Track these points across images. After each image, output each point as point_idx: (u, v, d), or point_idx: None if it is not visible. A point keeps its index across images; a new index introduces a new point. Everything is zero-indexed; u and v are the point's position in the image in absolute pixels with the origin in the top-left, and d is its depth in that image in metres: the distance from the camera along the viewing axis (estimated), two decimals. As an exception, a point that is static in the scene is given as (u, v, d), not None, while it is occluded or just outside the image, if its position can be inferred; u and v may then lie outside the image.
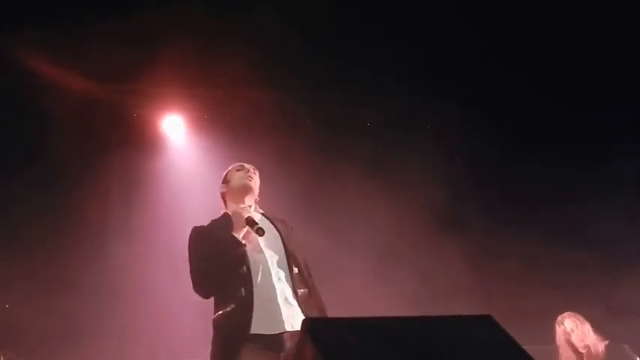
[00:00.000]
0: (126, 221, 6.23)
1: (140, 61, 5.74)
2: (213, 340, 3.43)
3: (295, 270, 3.54)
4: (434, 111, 6.87)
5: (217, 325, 3.42)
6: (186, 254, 3.58)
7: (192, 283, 3.50)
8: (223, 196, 3.80)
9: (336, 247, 5.84)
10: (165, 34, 5.48)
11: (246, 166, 3.80)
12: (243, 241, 3.46)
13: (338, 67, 6.09)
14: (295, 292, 3.46)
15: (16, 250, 5.87)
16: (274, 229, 3.64)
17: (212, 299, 3.51)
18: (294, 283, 3.49)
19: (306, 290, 3.53)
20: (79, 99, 6.18)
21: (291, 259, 3.55)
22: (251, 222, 3.46)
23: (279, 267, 3.51)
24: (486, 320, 2.23)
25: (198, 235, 3.60)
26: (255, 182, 3.75)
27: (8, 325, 5.78)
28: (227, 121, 6.55)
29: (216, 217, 3.73)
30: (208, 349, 3.47)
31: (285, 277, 3.50)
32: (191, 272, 3.52)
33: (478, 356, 2.08)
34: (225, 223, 3.55)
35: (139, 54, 5.67)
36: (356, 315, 2.32)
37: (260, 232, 3.41)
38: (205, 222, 3.70)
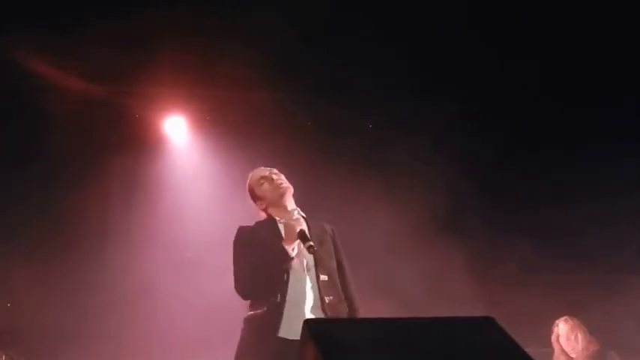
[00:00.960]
0: (127, 221, 6.24)
1: (142, 61, 5.74)
2: (242, 336, 3.47)
3: (323, 277, 3.54)
4: (434, 111, 6.86)
5: (248, 324, 3.47)
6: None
7: (235, 283, 3.52)
8: (265, 210, 3.74)
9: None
10: (167, 34, 5.47)
11: (265, 174, 3.75)
12: (293, 254, 3.46)
13: (338, 68, 6.08)
14: (322, 300, 3.48)
15: (16, 249, 5.87)
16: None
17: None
18: (322, 290, 3.49)
19: (335, 298, 3.53)
20: (80, 100, 6.18)
21: (319, 266, 3.56)
22: (303, 237, 3.44)
23: (312, 274, 3.53)
24: (488, 322, 2.23)
25: (246, 237, 3.60)
26: (285, 180, 3.72)
27: (9, 325, 5.78)
28: (229, 122, 6.55)
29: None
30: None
31: (313, 284, 3.52)
32: (235, 273, 3.55)
33: (479, 358, 2.08)
34: (273, 230, 3.56)
35: (140, 55, 5.67)
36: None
37: (311, 250, 3.40)
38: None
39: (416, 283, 6.06)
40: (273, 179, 3.71)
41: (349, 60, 6.09)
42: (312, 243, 3.39)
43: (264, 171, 3.77)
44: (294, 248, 3.46)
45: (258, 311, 3.42)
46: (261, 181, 3.73)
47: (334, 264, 3.65)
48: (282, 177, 3.74)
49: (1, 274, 5.80)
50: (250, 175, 3.82)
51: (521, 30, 5.99)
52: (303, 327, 2.30)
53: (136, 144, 6.42)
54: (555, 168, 6.50)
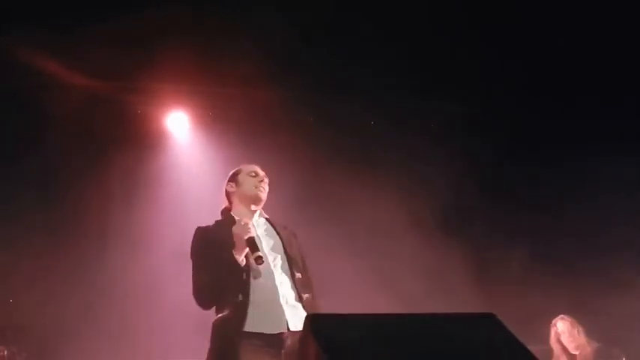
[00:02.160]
0: (129, 218, 6.23)
1: (144, 58, 5.75)
2: (210, 339, 3.44)
3: (298, 275, 3.55)
4: (435, 111, 6.88)
5: (214, 326, 3.44)
6: (189, 252, 3.60)
7: (193, 292, 3.52)
8: (229, 195, 3.78)
9: (338, 244, 5.86)
10: (169, 31, 5.48)
11: (260, 173, 3.77)
12: (244, 262, 3.42)
13: (340, 66, 6.09)
14: (300, 297, 3.47)
15: (17, 246, 5.86)
16: (276, 234, 3.66)
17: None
18: (298, 287, 3.50)
19: (310, 295, 3.54)
20: (83, 96, 6.19)
21: (293, 264, 3.57)
22: (252, 246, 3.39)
23: (282, 271, 3.53)
24: (489, 319, 2.24)
25: (202, 239, 3.60)
26: (266, 192, 3.73)
27: (11, 321, 5.79)
28: (231, 118, 6.56)
29: (219, 218, 3.73)
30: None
31: (289, 281, 3.51)
32: (193, 280, 3.54)
33: (480, 354, 2.09)
34: (229, 226, 3.52)
35: (143, 51, 5.67)
36: (358, 312, 2.33)
37: (259, 260, 3.35)
38: (210, 220, 3.71)
39: (417, 280, 6.07)
40: (262, 181, 3.73)
41: (350, 58, 6.09)
42: (260, 254, 3.36)
43: (261, 172, 3.79)
44: (243, 258, 3.42)
45: (225, 313, 3.40)
46: (252, 174, 3.75)
47: (302, 264, 3.67)
48: (267, 187, 3.74)
49: (3, 270, 5.80)
50: (244, 165, 3.84)
51: (522, 30, 6.00)
52: (304, 322, 2.31)
53: (138, 140, 6.42)
54: (556, 168, 6.51)
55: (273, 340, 3.33)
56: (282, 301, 3.42)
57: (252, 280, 3.41)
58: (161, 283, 5.95)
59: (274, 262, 3.53)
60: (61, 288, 5.88)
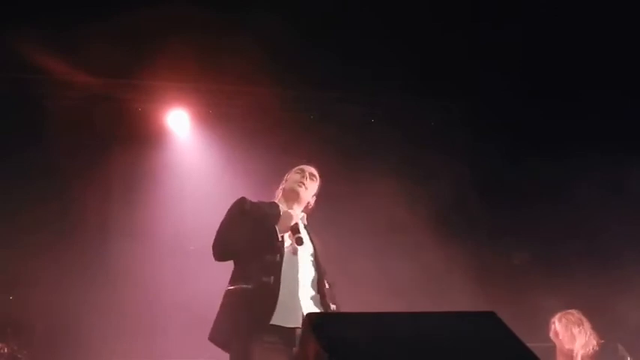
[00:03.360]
0: (130, 215, 6.23)
1: (145, 55, 5.74)
2: (225, 313, 3.43)
3: (327, 286, 3.63)
4: (436, 109, 6.88)
5: (236, 300, 3.43)
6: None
7: (214, 240, 3.59)
8: (279, 192, 3.91)
9: (339, 242, 5.84)
10: (170, 29, 5.47)
11: (306, 170, 3.90)
12: (281, 239, 3.53)
13: (342, 65, 6.08)
14: (327, 306, 3.54)
15: (17, 244, 5.87)
16: (310, 241, 3.73)
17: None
18: (328, 297, 3.58)
19: (337, 308, 3.60)
20: (84, 94, 6.20)
21: (324, 274, 3.65)
22: (295, 229, 3.55)
23: (308, 274, 3.60)
24: (490, 317, 2.24)
25: (243, 206, 3.67)
26: (306, 190, 3.84)
27: (11, 318, 5.79)
28: (232, 116, 6.56)
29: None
30: (209, 347, 3.47)
31: (313, 286, 3.58)
32: (218, 232, 3.61)
33: (481, 352, 2.09)
34: (272, 210, 3.66)
35: (143, 49, 5.67)
36: (359, 311, 2.32)
37: (299, 241, 3.51)
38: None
39: (417, 278, 6.07)
40: (304, 177, 3.84)
41: (351, 56, 6.08)
42: (301, 236, 3.51)
43: (308, 169, 3.91)
44: (283, 235, 3.55)
45: (248, 287, 3.42)
46: (297, 170, 3.89)
47: (332, 276, 3.73)
48: (312, 186, 3.86)
49: (3, 268, 5.80)
50: (303, 164, 3.97)
51: (521, 29, 5.99)
52: (304, 321, 2.30)
53: (138, 137, 6.41)
54: (557, 167, 6.49)
55: (288, 335, 3.36)
56: (301, 297, 3.47)
57: (284, 268, 3.48)
58: (162, 279, 5.96)
59: (303, 263, 3.60)
60: (61, 285, 5.88)
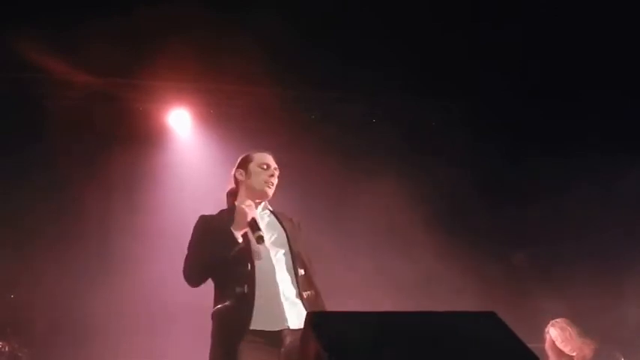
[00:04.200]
0: (131, 215, 6.23)
1: (146, 55, 5.74)
2: (212, 333, 3.40)
3: (301, 272, 3.49)
4: (436, 109, 6.88)
5: (217, 319, 3.39)
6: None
7: (183, 269, 3.50)
8: (237, 182, 3.70)
9: (339, 241, 5.86)
10: (171, 28, 5.48)
11: (272, 165, 3.66)
12: (240, 240, 3.39)
13: (343, 65, 6.09)
14: (301, 294, 3.42)
15: (19, 242, 5.88)
16: (281, 228, 3.59)
17: (212, 295, 3.52)
18: (300, 284, 3.45)
19: (313, 292, 3.48)
20: (84, 93, 6.20)
21: (296, 260, 3.51)
22: (253, 225, 3.38)
23: (284, 266, 3.48)
24: (490, 317, 2.24)
25: (202, 224, 3.57)
26: (274, 186, 3.64)
27: (12, 316, 5.79)
28: (233, 116, 6.57)
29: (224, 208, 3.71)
30: (209, 346, 3.47)
31: (290, 277, 3.46)
32: (185, 257, 3.52)
33: (482, 353, 2.09)
34: (229, 216, 3.48)
35: (144, 48, 5.67)
36: (359, 310, 2.33)
37: (260, 240, 3.34)
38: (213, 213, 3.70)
39: (417, 278, 6.08)
40: (272, 175, 3.63)
41: (352, 56, 6.09)
42: (261, 234, 3.34)
43: (273, 164, 3.68)
44: (242, 234, 3.39)
45: (226, 303, 3.34)
46: (263, 166, 3.65)
47: (307, 258, 3.59)
48: (276, 182, 3.65)
49: (3, 266, 5.81)
50: (258, 152, 3.73)
51: (522, 29, 5.99)
52: (305, 319, 2.30)
53: (139, 137, 6.41)
54: (557, 167, 6.50)
55: (273, 338, 3.30)
56: (282, 298, 3.37)
57: (256, 275, 3.36)
58: (163, 279, 5.95)
59: (276, 256, 3.48)
60: (62, 284, 5.89)
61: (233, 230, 3.38)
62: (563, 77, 6.32)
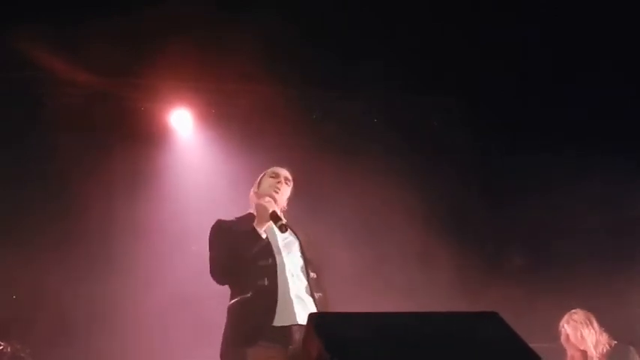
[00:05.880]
0: (132, 214, 6.23)
1: (147, 55, 5.74)
2: (227, 326, 3.47)
3: (313, 275, 3.61)
4: (436, 109, 6.89)
5: (235, 312, 3.47)
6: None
7: (210, 270, 3.59)
8: (252, 198, 3.85)
9: (339, 241, 5.85)
10: (173, 28, 5.48)
11: (281, 174, 3.84)
12: (264, 235, 3.53)
13: (344, 64, 6.09)
14: (312, 296, 3.53)
15: (20, 242, 5.87)
16: (294, 235, 3.72)
17: (215, 295, 3.55)
18: (312, 286, 3.57)
19: (323, 295, 3.60)
20: (86, 93, 6.20)
21: (309, 265, 3.63)
22: (275, 217, 3.51)
23: (294, 267, 3.58)
24: (492, 317, 2.25)
25: (221, 227, 3.68)
26: (282, 194, 3.79)
27: (14, 317, 5.79)
28: (234, 116, 6.56)
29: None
30: (212, 341, 3.49)
31: (303, 276, 3.58)
32: (210, 259, 3.61)
33: (483, 353, 2.10)
34: (249, 221, 3.60)
35: (146, 48, 5.67)
36: (359, 311, 2.34)
37: (283, 228, 3.46)
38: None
39: (418, 278, 6.08)
40: (279, 182, 3.80)
41: (353, 55, 6.09)
42: (284, 222, 3.48)
43: (283, 173, 3.86)
44: (265, 229, 3.53)
45: (246, 296, 3.43)
46: (272, 175, 3.85)
47: (319, 266, 3.72)
48: (287, 189, 3.83)
49: (5, 266, 5.80)
50: (274, 167, 3.91)
51: (522, 29, 5.99)
52: (307, 321, 2.31)
53: (141, 137, 6.41)
54: (557, 167, 6.50)
55: (283, 333, 3.37)
56: (292, 294, 3.47)
57: (278, 269, 3.48)
58: (164, 279, 5.96)
59: (288, 256, 3.58)
60: (64, 284, 5.88)
61: (256, 227, 3.52)
62: (563, 77, 6.32)
